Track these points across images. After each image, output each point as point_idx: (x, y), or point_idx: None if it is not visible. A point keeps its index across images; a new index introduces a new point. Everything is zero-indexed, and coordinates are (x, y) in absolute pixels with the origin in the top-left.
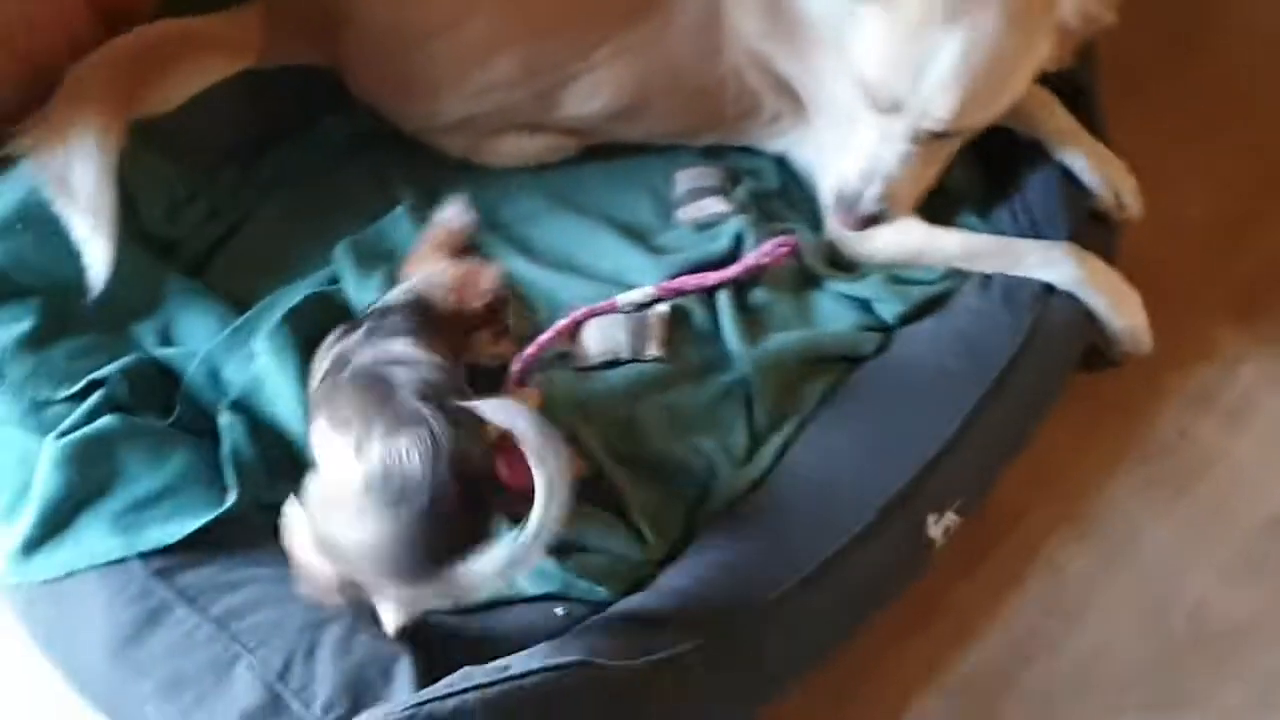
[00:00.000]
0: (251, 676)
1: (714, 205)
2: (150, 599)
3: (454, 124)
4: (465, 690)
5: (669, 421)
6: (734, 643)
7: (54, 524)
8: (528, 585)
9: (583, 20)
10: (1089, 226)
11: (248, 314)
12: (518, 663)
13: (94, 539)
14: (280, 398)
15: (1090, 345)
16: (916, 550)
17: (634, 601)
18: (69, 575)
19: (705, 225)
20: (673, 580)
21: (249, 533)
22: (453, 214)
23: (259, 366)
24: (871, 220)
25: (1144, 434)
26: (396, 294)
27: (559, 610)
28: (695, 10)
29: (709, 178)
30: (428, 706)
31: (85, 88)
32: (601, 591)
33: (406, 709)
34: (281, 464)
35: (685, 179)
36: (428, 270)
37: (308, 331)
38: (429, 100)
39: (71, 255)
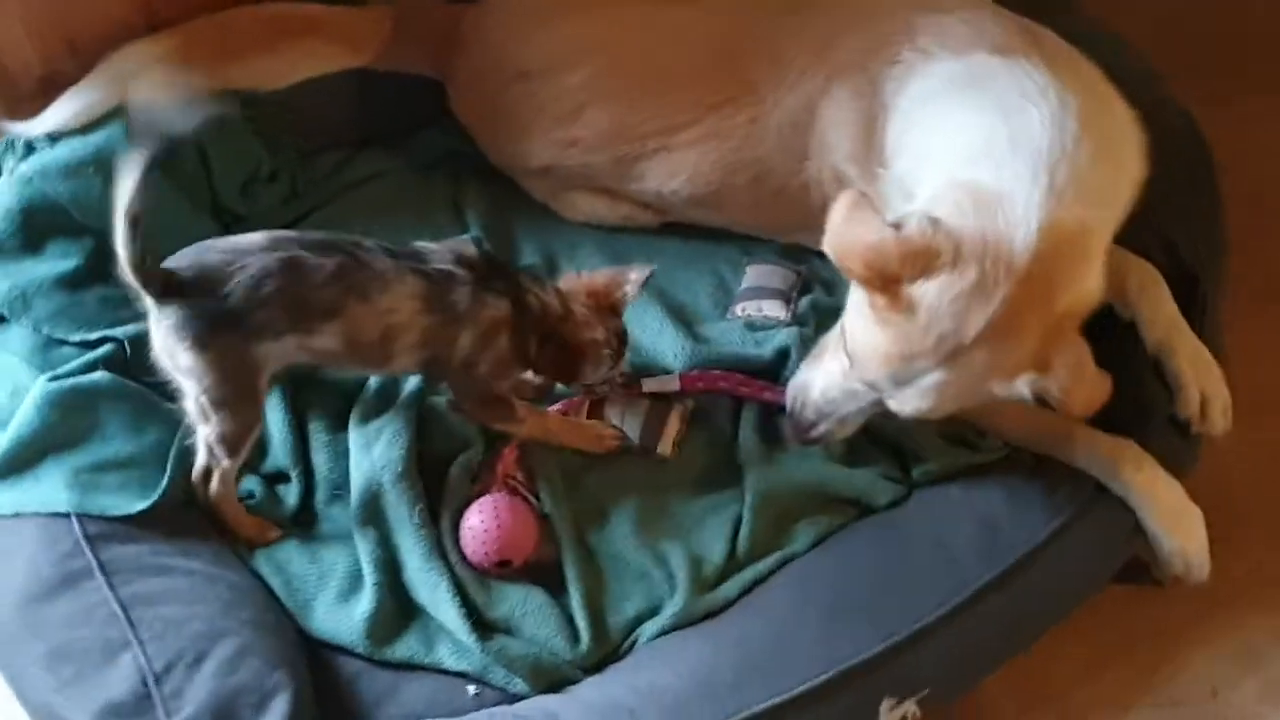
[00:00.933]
0: (133, 669)
1: (772, 309)
2: (74, 561)
3: (538, 169)
4: None
5: (646, 523)
6: None
7: (18, 462)
8: (446, 656)
9: (676, 96)
10: (1165, 431)
11: None
12: None
13: (48, 487)
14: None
15: (1135, 558)
16: None
17: (547, 705)
18: (13, 516)
19: (758, 327)
20: (593, 692)
21: (194, 521)
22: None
23: None
24: (817, 443)
25: (1169, 676)
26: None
27: (471, 690)
28: (790, 112)
29: (777, 279)
30: None
31: (193, 47)
32: (518, 683)
33: None
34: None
35: (754, 274)
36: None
37: None
38: (517, 139)
39: None
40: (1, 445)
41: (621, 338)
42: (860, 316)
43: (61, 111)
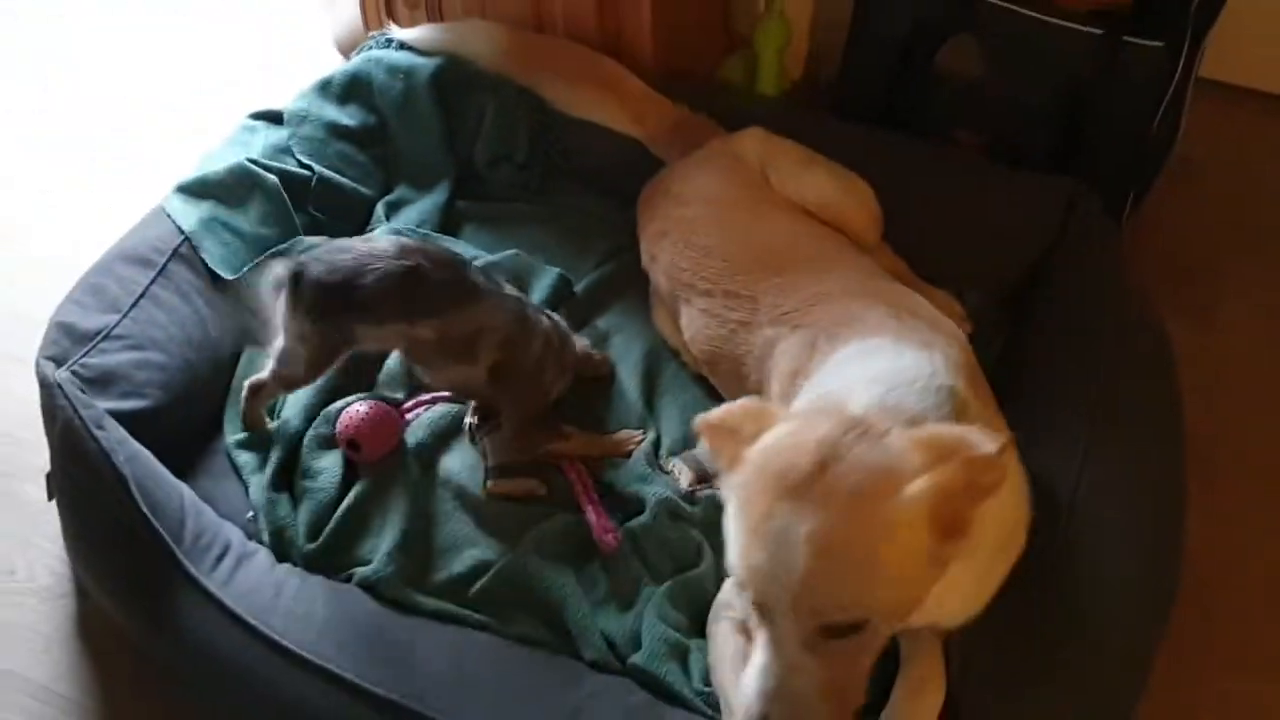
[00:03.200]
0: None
1: (683, 478)
2: (155, 255)
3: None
4: None
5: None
6: None
7: (193, 188)
8: None
9: (712, 265)
10: None
11: None
12: None
13: (192, 212)
14: None
15: None
16: None
17: None
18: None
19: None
20: None
21: None
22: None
23: None
24: None
25: None
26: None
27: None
28: (766, 338)
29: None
30: None
31: (524, 49)
32: None
33: None
34: None
35: (706, 453)
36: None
37: None
38: (640, 234)
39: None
40: (195, 174)
41: None
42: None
43: (422, 36)
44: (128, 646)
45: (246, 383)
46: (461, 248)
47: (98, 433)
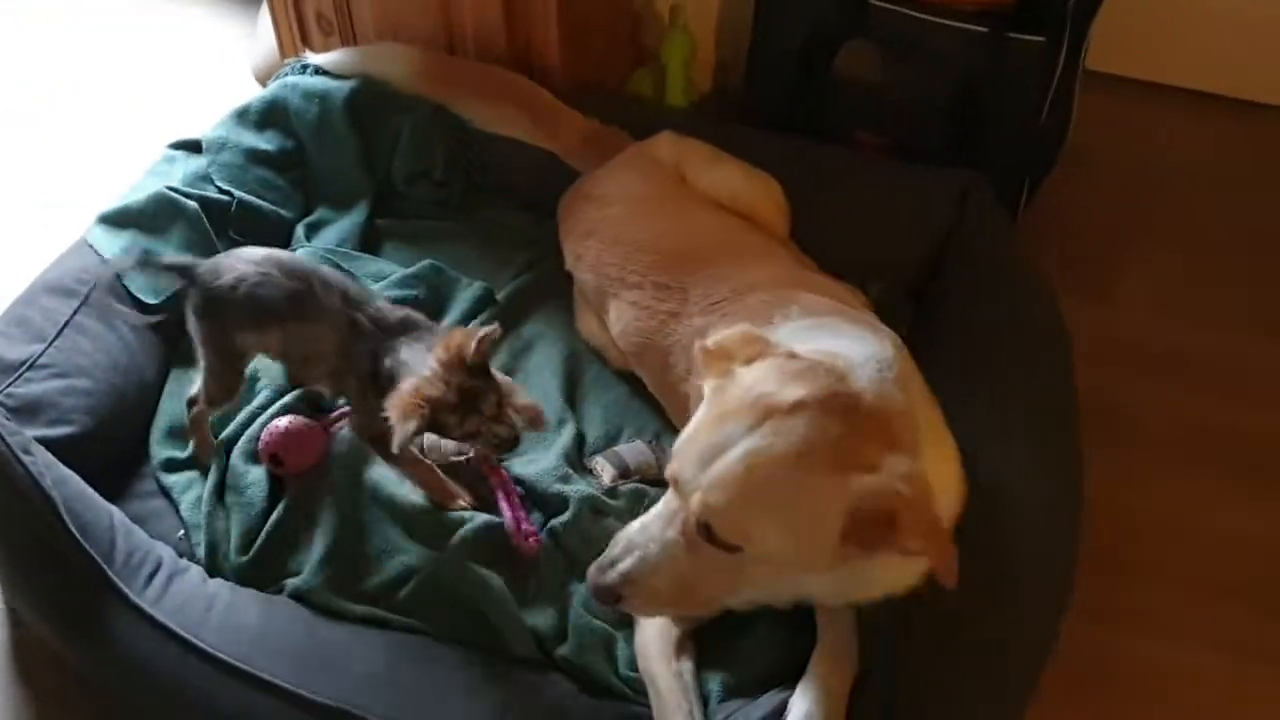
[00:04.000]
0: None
1: (605, 475)
2: (79, 285)
3: (569, 272)
4: None
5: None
6: None
7: (114, 218)
8: None
9: (642, 259)
10: None
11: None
12: None
13: (113, 241)
14: None
15: None
16: None
17: None
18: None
19: (592, 477)
20: None
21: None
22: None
23: None
24: (613, 596)
25: None
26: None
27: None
28: (694, 328)
29: (634, 454)
30: None
31: (436, 67)
32: None
33: None
34: None
35: (628, 449)
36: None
37: None
38: (564, 240)
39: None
40: (117, 204)
41: (473, 397)
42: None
43: (337, 60)
44: (65, 671)
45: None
46: (381, 265)
47: (24, 458)
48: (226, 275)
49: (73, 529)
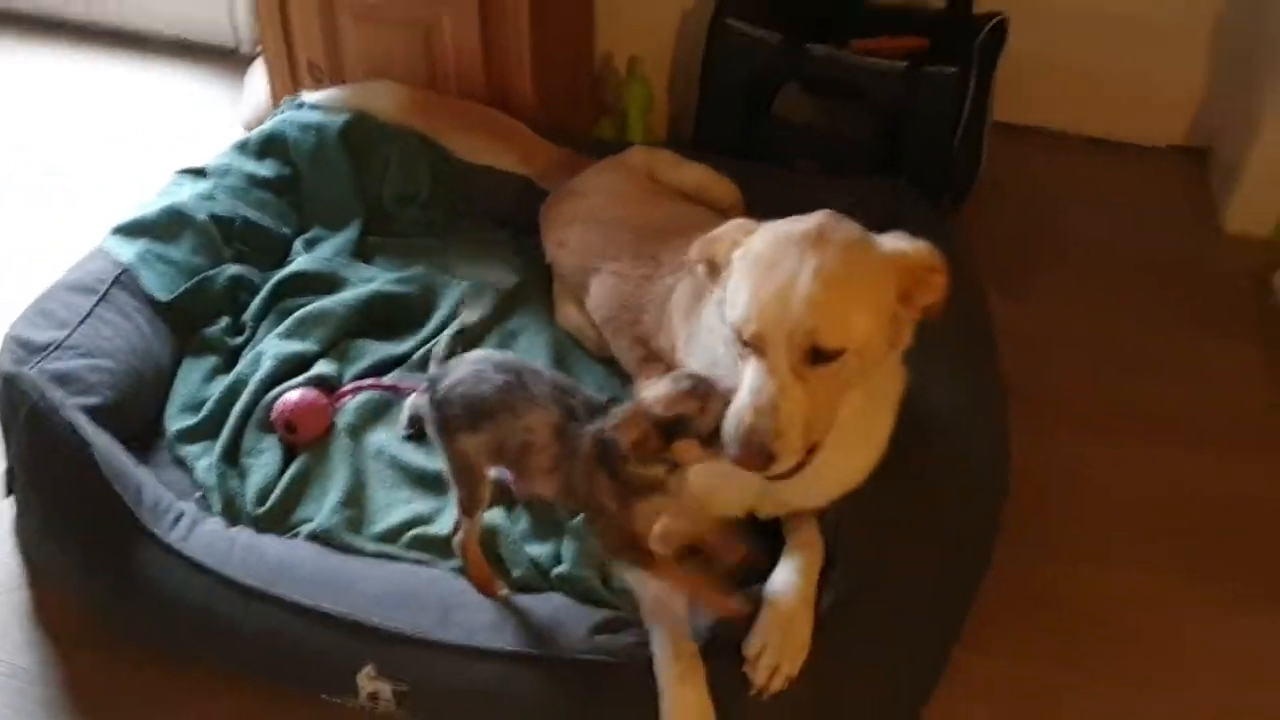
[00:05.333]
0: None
1: None
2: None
3: (549, 264)
4: None
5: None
6: None
7: (131, 229)
8: None
9: (621, 237)
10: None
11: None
12: None
13: (130, 248)
14: None
15: None
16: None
17: None
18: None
19: None
20: None
21: None
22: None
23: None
24: (765, 455)
25: None
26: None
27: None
28: (665, 287)
29: None
30: None
31: (423, 104)
32: None
33: None
34: None
35: None
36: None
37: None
38: (545, 235)
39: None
40: (131, 217)
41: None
42: (734, 291)
43: (330, 96)
44: (86, 626)
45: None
46: (375, 271)
47: (63, 411)
48: (450, 379)
49: (106, 474)
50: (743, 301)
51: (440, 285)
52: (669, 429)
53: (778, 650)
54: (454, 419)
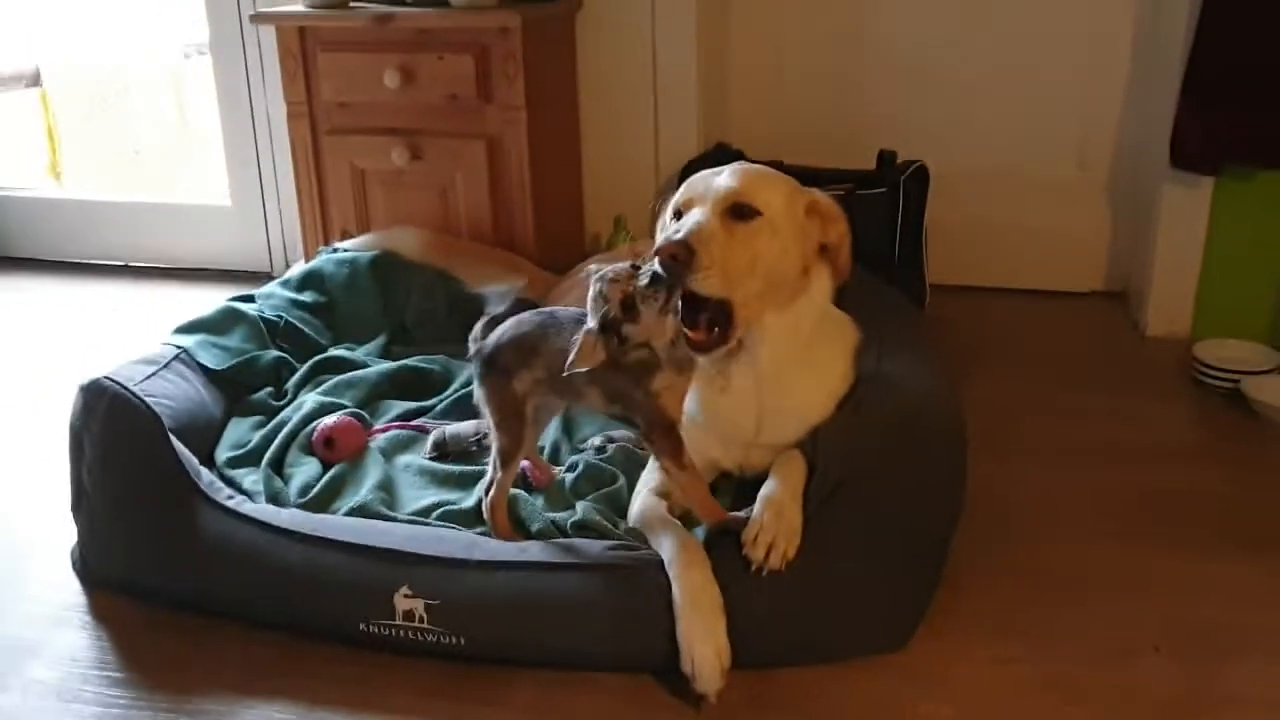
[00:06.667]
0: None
1: (596, 438)
2: (155, 361)
3: None
4: None
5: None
6: None
7: (188, 326)
8: None
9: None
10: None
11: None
12: None
13: (190, 339)
14: None
15: None
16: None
17: None
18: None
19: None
20: None
21: None
22: None
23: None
24: (684, 248)
25: None
26: None
27: None
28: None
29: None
30: None
31: (443, 243)
32: None
33: None
34: None
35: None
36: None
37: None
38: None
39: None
40: (190, 320)
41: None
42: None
43: (360, 240)
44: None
45: (486, 499)
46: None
47: (139, 394)
48: (493, 338)
49: (175, 444)
50: (678, 195)
51: (457, 367)
52: (626, 306)
53: (772, 530)
54: (505, 363)
